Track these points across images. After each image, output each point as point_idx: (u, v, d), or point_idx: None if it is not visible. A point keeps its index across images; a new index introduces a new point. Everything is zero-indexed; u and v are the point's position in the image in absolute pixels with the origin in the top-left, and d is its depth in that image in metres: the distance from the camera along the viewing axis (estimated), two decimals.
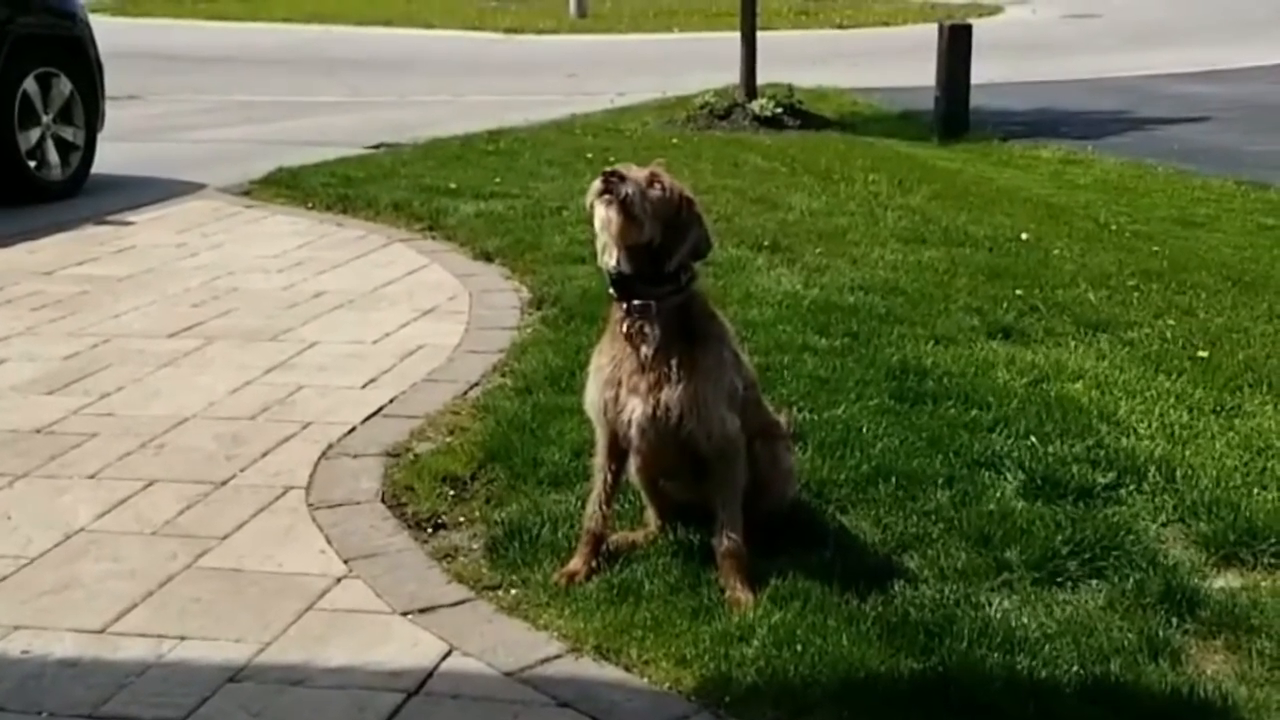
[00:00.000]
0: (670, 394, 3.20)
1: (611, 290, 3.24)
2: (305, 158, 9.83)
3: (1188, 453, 4.15)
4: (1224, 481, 3.93)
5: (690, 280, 3.24)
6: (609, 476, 3.43)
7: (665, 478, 3.54)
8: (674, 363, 3.20)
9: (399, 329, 5.61)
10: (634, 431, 3.27)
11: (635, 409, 3.24)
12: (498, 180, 8.87)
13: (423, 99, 15.34)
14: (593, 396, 3.36)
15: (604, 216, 3.05)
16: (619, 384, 3.26)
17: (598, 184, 3.06)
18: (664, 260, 3.16)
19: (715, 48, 18.36)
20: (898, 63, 18.24)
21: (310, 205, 8.36)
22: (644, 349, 3.21)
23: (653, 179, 3.11)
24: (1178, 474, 3.96)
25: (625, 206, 3.03)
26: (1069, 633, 3.08)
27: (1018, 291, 6.04)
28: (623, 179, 3.05)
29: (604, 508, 3.44)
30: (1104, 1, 30.08)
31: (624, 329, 3.23)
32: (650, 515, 3.65)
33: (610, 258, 3.17)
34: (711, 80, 13.66)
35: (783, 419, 3.78)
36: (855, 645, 2.98)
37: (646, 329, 3.19)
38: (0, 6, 8.39)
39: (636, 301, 3.19)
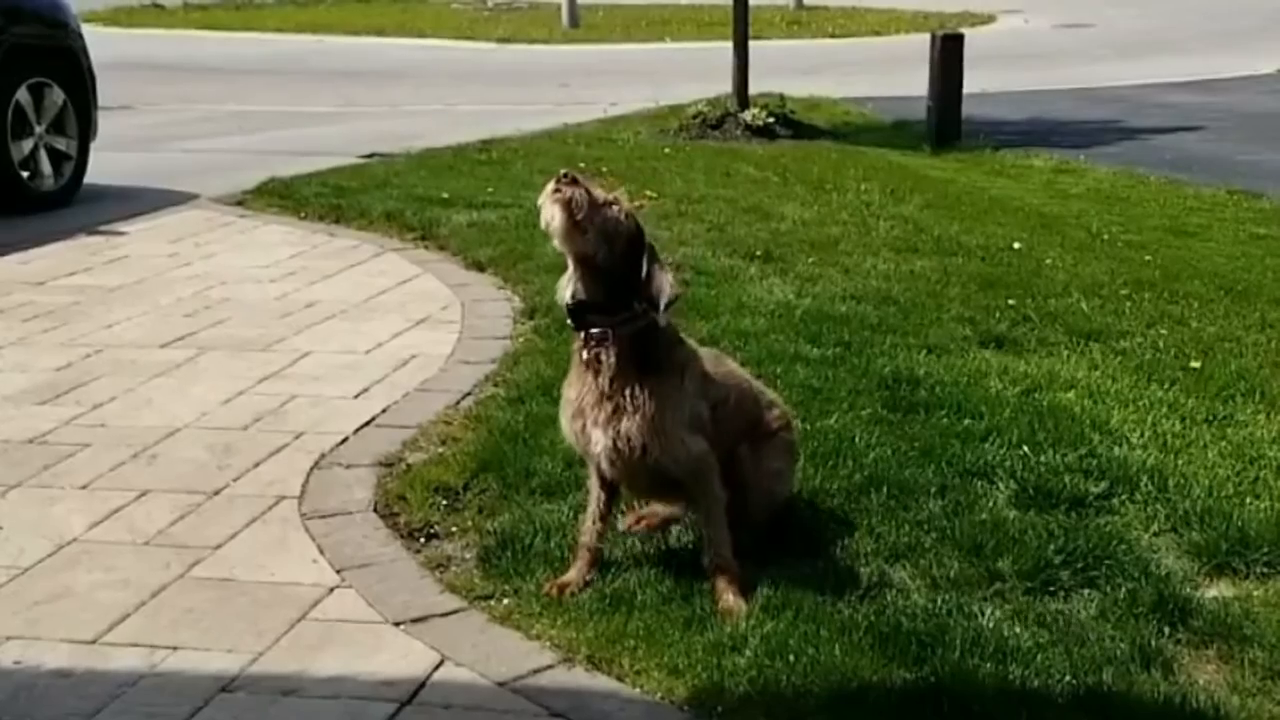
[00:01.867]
0: (630, 425, 3.21)
1: (569, 320, 3.26)
2: (298, 167, 9.83)
3: (1180, 462, 4.15)
4: (1216, 491, 3.93)
5: (648, 311, 3.21)
6: (602, 495, 3.44)
7: (648, 497, 3.56)
8: (629, 393, 3.21)
9: (391, 339, 5.61)
10: (604, 463, 3.31)
11: (599, 441, 3.26)
12: (490, 190, 8.87)
13: (415, 109, 15.35)
14: (564, 428, 3.39)
15: (548, 215, 3.07)
16: (584, 415, 3.28)
17: (550, 184, 3.08)
18: (620, 290, 3.16)
19: (707, 57, 18.41)
20: (890, 72, 18.27)
21: (303, 215, 8.35)
22: (601, 377, 3.22)
23: (613, 201, 3.14)
24: (1170, 483, 3.96)
25: (569, 208, 3.05)
26: (1061, 642, 3.08)
27: (1010, 301, 6.05)
28: (575, 182, 3.07)
29: (599, 524, 3.44)
30: (1096, 11, 30.20)
31: (582, 357, 3.24)
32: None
33: (567, 290, 3.20)
34: (704, 90, 13.67)
35: (776, 414, 3.71)
36: (848, 655, 2.98)
37: (603, 357, 3.20)
38: None
39: (594, 330, 3.20)
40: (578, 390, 3.29)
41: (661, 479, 3.34)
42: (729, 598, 3.25)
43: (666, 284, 3.16)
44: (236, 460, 4.27)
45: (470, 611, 3.28)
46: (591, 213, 3.08)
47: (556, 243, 3.13)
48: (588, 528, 3.44)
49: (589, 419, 3.27)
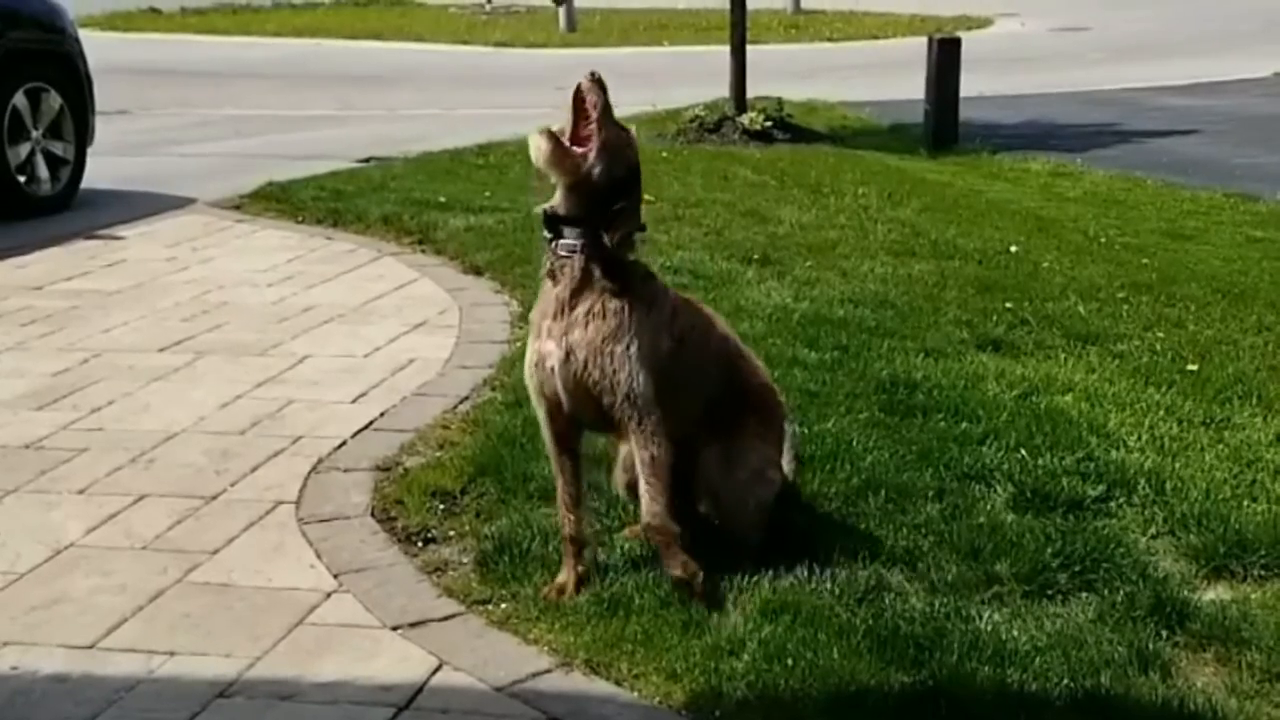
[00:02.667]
0: (580, 336, 3.17)
1: (544, 228, 3.23)
2: (295, 172, 9.82)
3: (1177, 465, 4.16)
4: (1214, 494, 3.93)
5: (623, 245, 3.20)
6: (566, 473, 3.38)
7: (597, 430, 3.47)
8: (588, 307, 3.17)
9: (389, 343, 5.60)
10: (558, 381, 3.22)
11: (553, 354, 3.21)
12: (488, 194, 8.87)
13: (413, 112, 15.35)
14: (526, 355, 3.33)
15: (534, 145, 3.11)
16: (541, 335, 3.24)
17: (578, 82, 3.12)
18: (601, 219, 3.15)
19: (705, 61, 18.40)
20: (887, 76, 18.27)
21: (300, 219, 8.35)
22: (561, 287, 3.19)
23: (626, 127, 3.19)
24: (1167, 486, 3.96)
25: (554, 137, 3.09)
26: (1059, 645, 3.08)
27: (1007, 304, 6.05)
28: (600, 83, 3.11)
29: (571, 511, 3.39)
30: (1093, 14, 30.20)
31: (546, 267, 3.23)
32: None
33: (547, 205, 3.21)
34: (701, 94, 13.68)
35: (759, 373, 3.65)
36: (846, 659, 2.98)
37: (568, 268, 3.19)
38: None
39: (565, 240, 3.19)
40: (540, 307, 3.27)
41: (603, 412, 3.25)
42: (674, 567, 3.23)
43: (634, 220, 3.19)
44: (234, 465, 4.26)
45: (468, 616, 3.28)
46: (607, 122, 3.10)
47: (543, 168, 3.13)
48: (564, 517, 3.39)
49: (544, 335, 3.22)
